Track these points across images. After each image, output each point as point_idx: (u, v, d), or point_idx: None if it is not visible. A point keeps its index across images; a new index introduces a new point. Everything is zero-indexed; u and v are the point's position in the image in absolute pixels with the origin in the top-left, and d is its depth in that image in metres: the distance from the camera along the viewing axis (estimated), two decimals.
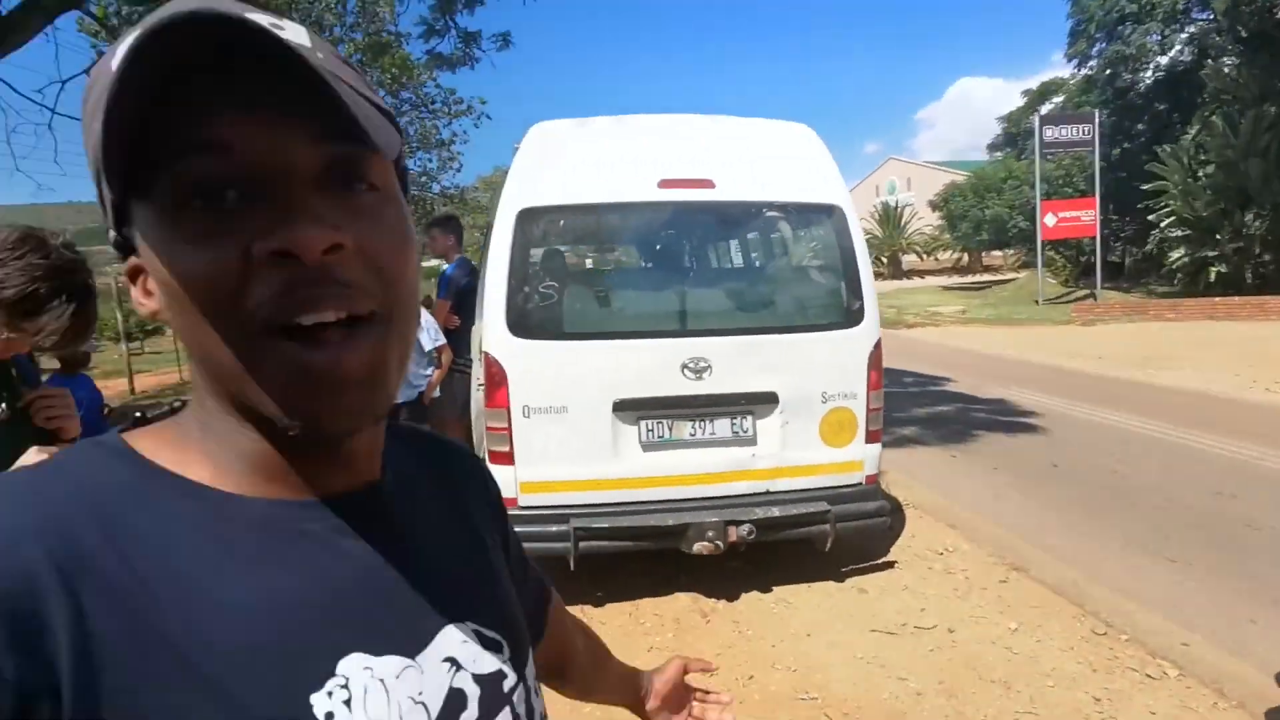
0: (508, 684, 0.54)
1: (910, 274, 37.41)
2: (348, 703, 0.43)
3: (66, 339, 1.41)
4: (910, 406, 7.97)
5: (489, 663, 0.53)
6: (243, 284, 0.41)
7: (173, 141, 0.40)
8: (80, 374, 3.59)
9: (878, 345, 3.45)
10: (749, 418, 3.37)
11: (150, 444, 0.47)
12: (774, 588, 3.62)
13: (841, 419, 3.39)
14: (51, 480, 0.43)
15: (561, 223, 3.32)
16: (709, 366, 3.27)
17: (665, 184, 3.33)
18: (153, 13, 0.38)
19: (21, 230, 1.36)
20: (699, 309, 3.48)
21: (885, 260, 37.03)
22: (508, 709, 0.53)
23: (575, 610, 3.37)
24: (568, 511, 3.25)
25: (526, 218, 3.24)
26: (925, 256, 38.77)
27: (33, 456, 1.43)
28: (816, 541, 3.42)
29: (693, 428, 3.36)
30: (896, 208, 38.84)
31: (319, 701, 0.42)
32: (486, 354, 3.26)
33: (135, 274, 0.47)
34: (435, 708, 0.48)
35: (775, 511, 3.32)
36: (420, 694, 0.47)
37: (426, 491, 0.58)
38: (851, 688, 2.83)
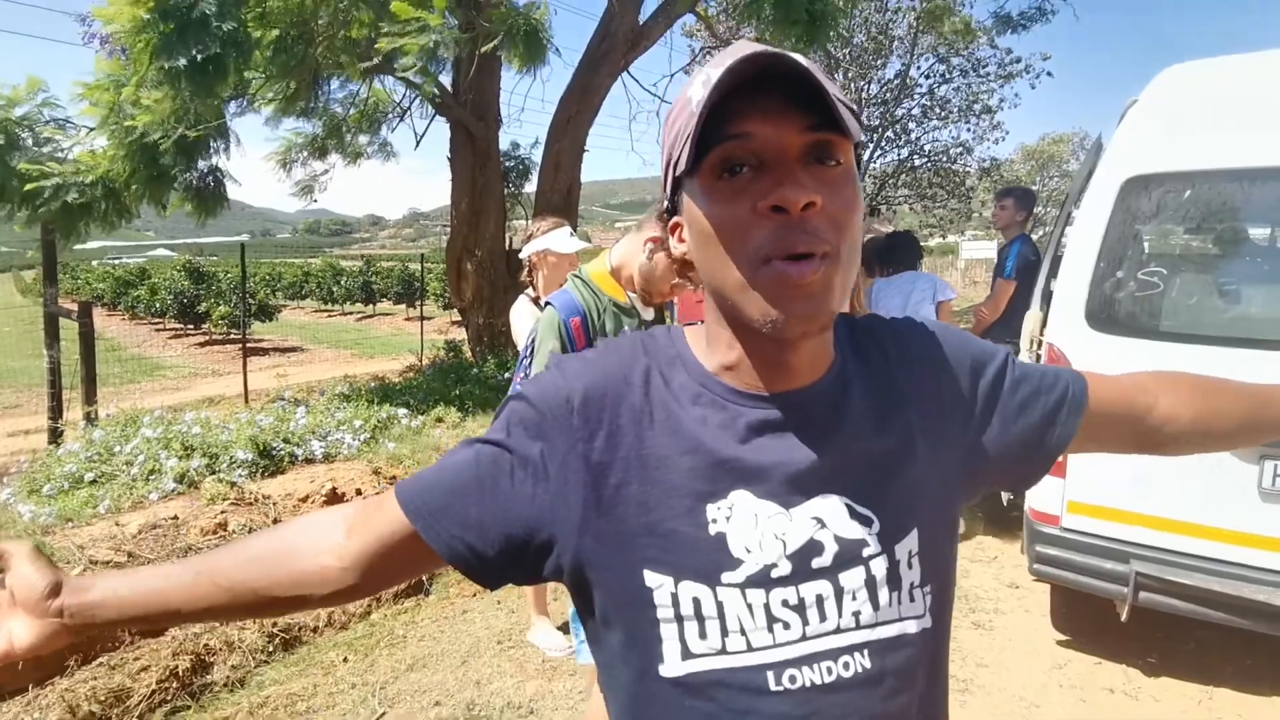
0: (868, 550, 0.68)
1: None
2: (728, 518, 0.66)
3: None
4: None
5: (853, 530, 0.68)
6: (749, 228, 0.61)
7: (718, 134, 0.61)
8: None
9: None
10: None
11: (691, 337, 0.74)
12: None
13: None
14: (639, 342, 0.74)
15: (1187, 193, 2.61)
16: None
17: None
18: (725, 53, 0.62)
19: None
20: None
21: None
22: (861, 567, 0.67)
23: (1117, 669, 2.80)
24: (1128, 550, 2.65)
25: (1136, 187, 2.65)
26: None
27: None
28: None
29: None
30: None
31: (711, 510, 0.66)
32: (1050, 345, 2.82)
33: (674, 229, 0.72)
34: (792, 546, 0.66)
35: None
36: (783, 533, 0.66)
37: (860, 389, 0.72)
38: None
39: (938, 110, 14.75)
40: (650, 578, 0.66)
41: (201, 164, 6.37)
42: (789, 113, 0.60)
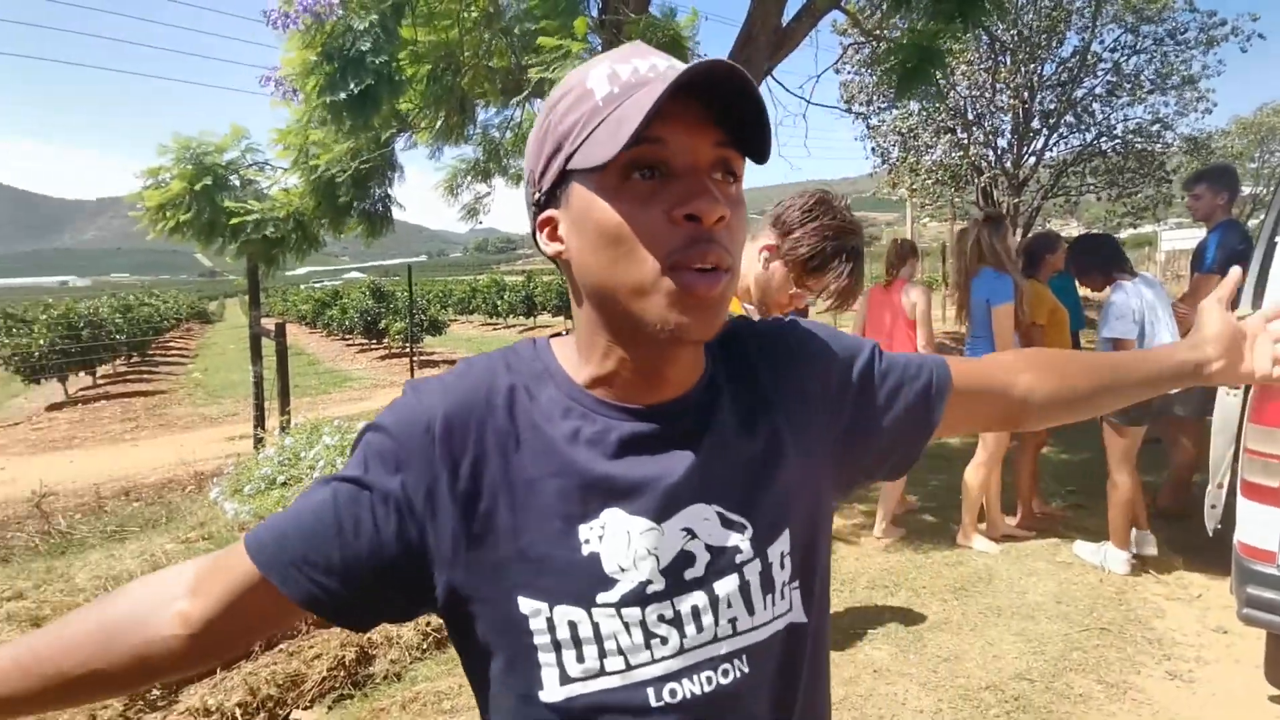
0: (740, 557, 0.68)
1: None
2: (600, 538, 0.65)
3: (841, 298, 1.49)
4: None
5: (725, 537, 0.68)
6: (660, 233, 0.60)
7: (636, 134, 0.57)
8: None
9: None
10: None
11: (559, 349, 0.72)
12: None
13: None
14: (501, 359, 0.72)
15: None
16: None
17: None
18: (629, 50, 0.65)
19: (818, 193, 1.48)
20: None
21: None
22: (735, 574, 0.68)
23: None
24: None
25: None
26: None
27: None
28: None
29: None
30: None
31: (583, 530, 0.65)
32: None
33: (544, 225, 0.68)
34: (665, 560, 0.66)
35: None
36: (655, 548, 0.66)
37: (728, 397, 0.72)
38: None
39: (1126, 86, 13.15)
40: (525, 604, 0.65)
41: (376, 191, 7.01)
42: (704, 124, 0.60)
